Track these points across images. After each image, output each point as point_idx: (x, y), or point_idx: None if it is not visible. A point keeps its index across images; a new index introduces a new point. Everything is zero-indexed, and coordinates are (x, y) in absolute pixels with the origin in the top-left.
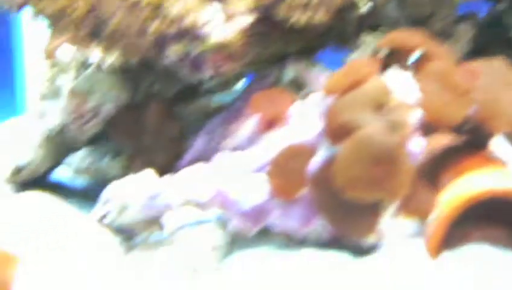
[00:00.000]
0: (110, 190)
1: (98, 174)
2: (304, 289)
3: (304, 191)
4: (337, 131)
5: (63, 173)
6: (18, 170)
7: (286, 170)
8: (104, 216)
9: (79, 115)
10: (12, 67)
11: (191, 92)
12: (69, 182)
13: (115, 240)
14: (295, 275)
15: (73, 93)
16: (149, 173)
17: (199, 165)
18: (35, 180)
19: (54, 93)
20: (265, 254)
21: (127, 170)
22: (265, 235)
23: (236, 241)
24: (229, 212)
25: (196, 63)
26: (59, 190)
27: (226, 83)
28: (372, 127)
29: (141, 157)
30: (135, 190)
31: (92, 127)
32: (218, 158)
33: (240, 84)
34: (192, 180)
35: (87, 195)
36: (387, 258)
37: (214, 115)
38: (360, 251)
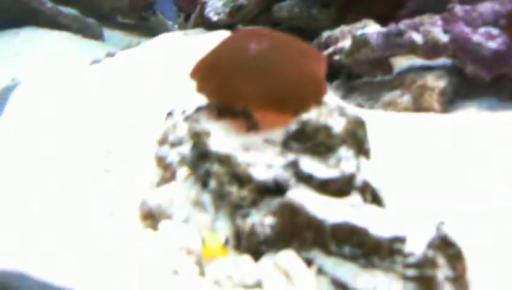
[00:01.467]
0: (327, 35)
1: (307, 23)
2: None
3: None
4: None
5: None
6: (237, 9)
7: None
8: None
9: None
10: None
11: None
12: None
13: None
14: None
15: None
16: (370, 21)
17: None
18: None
19: None
20: (493, 104)
21: (336, 20)
22: (497, 84)
23: (464, 88)
24: (466, 56)
25: None
26: None
27: None
28: None
29: (356, 7)
30: (371, 29)
31: None
32: (450, 9)
33: None
34: (429, 25)
35: None
36: None
37: None
38: None
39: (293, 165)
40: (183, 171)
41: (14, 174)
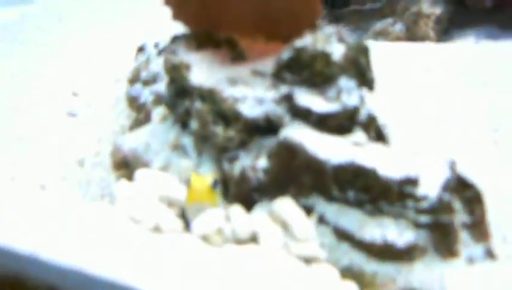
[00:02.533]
0: None
1: None
2: None
3: None
4: None
5: None
6: None
7: None
8: None
9: None
10: None
11: None
12: None
13: None
14: None
15: None
16: None
17: None
18: None
19: None
20: (493, 32)
21: None
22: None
23: (460, 16)
24: None
25: None
26: None
27: None
28: None
29: None
30: None
31: None
32: None
33: None
34: None
35: None
36: None
37: None
38: None
39: (287, 99)
40: (159, 112)
41: None
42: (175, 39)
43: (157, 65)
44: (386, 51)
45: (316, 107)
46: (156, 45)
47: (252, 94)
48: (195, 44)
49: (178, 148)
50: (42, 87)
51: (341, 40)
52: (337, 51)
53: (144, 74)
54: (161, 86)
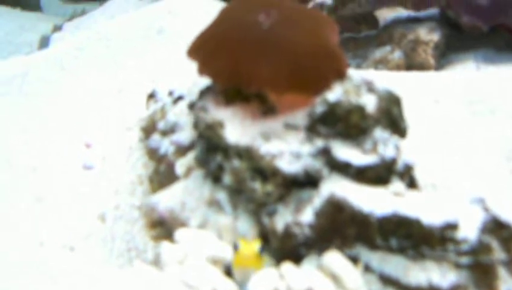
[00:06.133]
0: None
1: None
2: None
3: None
4: None
5: None
6: None
7: None
8: None
9: None
10: None
11: None
12: None
13: None
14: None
15: None
16: None
17: None
18: None
19: None
20: (490, 55)
21: None
22: (491, 34)
23: (456, 40)
24: (461, 5)
25: None
26: None
27: None
28: None
29: None
30: None
31: None
32: None
33: None
34: None
35: None
36: None
37: None
38: None
39: (325, 153)
40: (182, 163)
41: None
42: (202, 94)
43: (175, 115)
44: (391, 82)
45: (355, 160)
46: (171, 93)
47: (287, 149)
48: (223, 99)
49: (213, 204)
50: (55, 141)
51: (371, 90)
52: (370, 103)
53: (161, 125)
54: (181, 136)
